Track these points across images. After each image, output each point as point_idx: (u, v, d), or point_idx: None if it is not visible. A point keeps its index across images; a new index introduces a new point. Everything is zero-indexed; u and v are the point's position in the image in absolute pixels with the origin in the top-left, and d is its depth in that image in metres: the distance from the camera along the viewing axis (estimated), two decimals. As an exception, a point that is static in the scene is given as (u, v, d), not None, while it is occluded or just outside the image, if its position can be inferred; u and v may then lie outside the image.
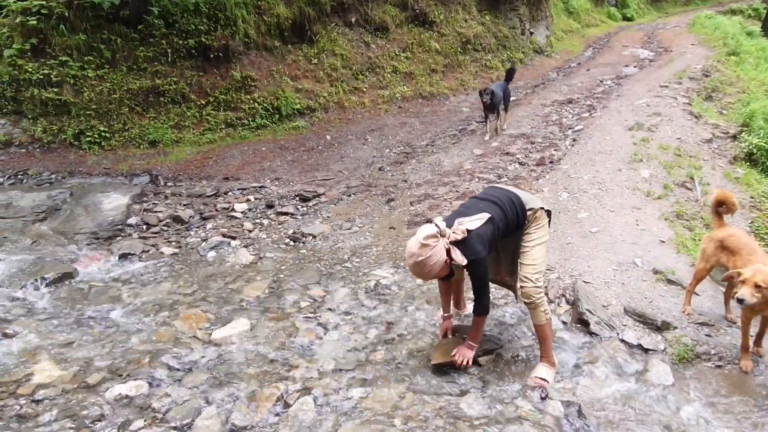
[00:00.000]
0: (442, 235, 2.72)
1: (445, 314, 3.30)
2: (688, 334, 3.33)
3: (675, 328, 3.39)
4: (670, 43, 15.56)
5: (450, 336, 3.27)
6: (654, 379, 2.99)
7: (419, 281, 4.14)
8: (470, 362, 3.02)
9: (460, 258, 2.72)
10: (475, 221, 2.80)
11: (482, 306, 2.91)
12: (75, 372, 3.06)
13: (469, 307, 3.63)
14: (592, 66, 13.73)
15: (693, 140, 6.81)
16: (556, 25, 17.65)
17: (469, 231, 2.76)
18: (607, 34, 20.13)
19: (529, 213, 2.97)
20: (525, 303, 2.98)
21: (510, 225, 2.92)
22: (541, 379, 2.94)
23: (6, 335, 3.44)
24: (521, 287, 2.95)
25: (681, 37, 16.33)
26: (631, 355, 3.20)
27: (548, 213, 3.08)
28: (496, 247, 3.15)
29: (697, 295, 3.72)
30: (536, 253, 2.97)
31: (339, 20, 10.67)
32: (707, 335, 3.34)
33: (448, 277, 3.03)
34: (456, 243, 2.75)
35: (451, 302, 3.47)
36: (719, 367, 3.09)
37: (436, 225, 2.76)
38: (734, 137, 6.90)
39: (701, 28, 16.74)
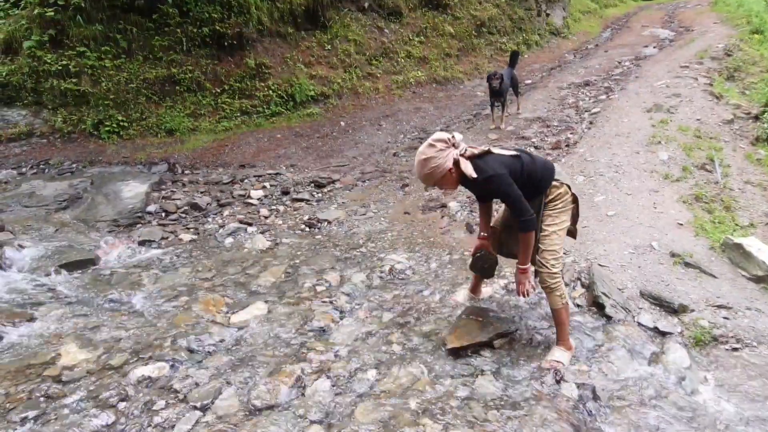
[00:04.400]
0: (455, 146, 2.70)
1: (482, 233, 3.22)
2: (706, 317, 3.30)
3: (692, 311, 3.36)
4: (691, 22, 15.15)
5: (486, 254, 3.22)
6: (670, 362, 2.98)
7: (433, 266, 4.16)
8: (530, 288, 2.95)
9: (470, 170, 2.64)
10: (502, 150, 2.84)
11: (524, 222, 2.74)
12: (99, 354, 3.16)
13: (485, 291, 3.65)
14: (610, 47, 13.46)
15: (713, 121, 6.66)
16: (574, 6, 17.31)
17: (490, 152, 2.76)
18: (626, 14, 19.68)
19: (555, 182, 2.87)
20: (541, 287, 2.97)
21: (534, 180, 2.83)
22: (557, 361, 2.94)
23: (33, 319, 3.56)
24: (538, 271, 2.93)
25: (703, 15, 15.88)
26: (647, 338, 3.19)
27: (575, 199, 2.96)
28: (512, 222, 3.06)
29: (715, 277, 3.68)
30: (557, 240, 2.89)
31: (352, 5, 10.61)
32: (725, 318, 3.31)
33: (485, 199, 3.12)
34: (473, 158, 2.70)
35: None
36: (736, 350, 3.07)
37: (453, 136, 2.71)
38: (756, 118, 6.73)
39: (724, 5, 16.24)
